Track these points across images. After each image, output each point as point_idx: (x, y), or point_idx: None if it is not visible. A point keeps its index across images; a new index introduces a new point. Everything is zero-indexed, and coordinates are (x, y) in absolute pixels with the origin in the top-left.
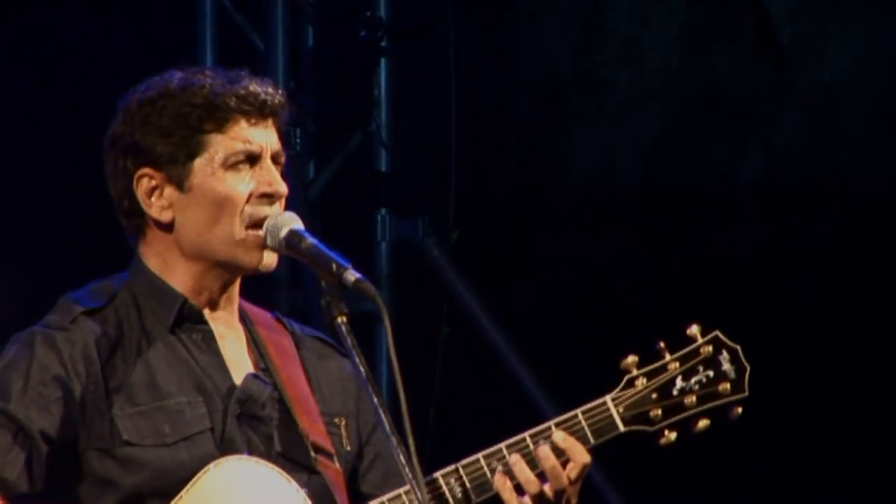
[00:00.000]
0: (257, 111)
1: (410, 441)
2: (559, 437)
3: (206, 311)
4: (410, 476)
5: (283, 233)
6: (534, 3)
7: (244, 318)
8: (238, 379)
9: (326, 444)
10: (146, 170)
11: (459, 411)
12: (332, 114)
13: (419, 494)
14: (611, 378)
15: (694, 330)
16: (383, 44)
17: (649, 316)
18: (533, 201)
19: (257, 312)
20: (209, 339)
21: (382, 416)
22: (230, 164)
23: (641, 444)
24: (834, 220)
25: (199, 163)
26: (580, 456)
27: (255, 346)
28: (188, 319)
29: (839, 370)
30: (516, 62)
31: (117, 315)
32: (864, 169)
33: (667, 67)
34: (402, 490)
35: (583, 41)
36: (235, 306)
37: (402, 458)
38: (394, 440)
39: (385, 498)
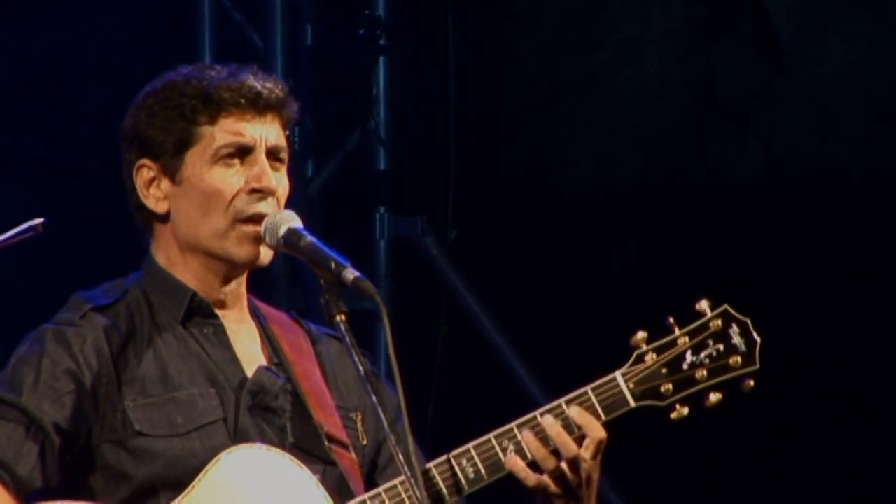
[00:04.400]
0: (251, 104)
1: (410, 439)
2: (575, 412)
3: (215, 309)
4: (409, 474)
5: (282, 231)
6: (533, 1)
7: (257, 316)
8: (250, 372)
9: (342, 434)
10: (145, 160)
11: (458, 409)
12: (331, 112)
13: (418, 493)
14: (610, 371)
15: (703, 305)
16: (382, 42)
17: (648, 314)
18: (531, 200)
19: (271, 311)
20: (220, 332)
21: (381, 413)
22: (220, 157)
23: (642, 443)
24: (833, 218)
25: (191, 155)
26: (595, 431)
27: (269, 341)
28: (198, 313)
29: (839, 367)
30: (515, 61)
31: (129, 310)
32: (864, 167)
33: (666, 66)
34: (397, 481)
35: (582, 40)
36: (244, 303)
37: (400, 455)
38: (392, 438)
39: (382, 489)
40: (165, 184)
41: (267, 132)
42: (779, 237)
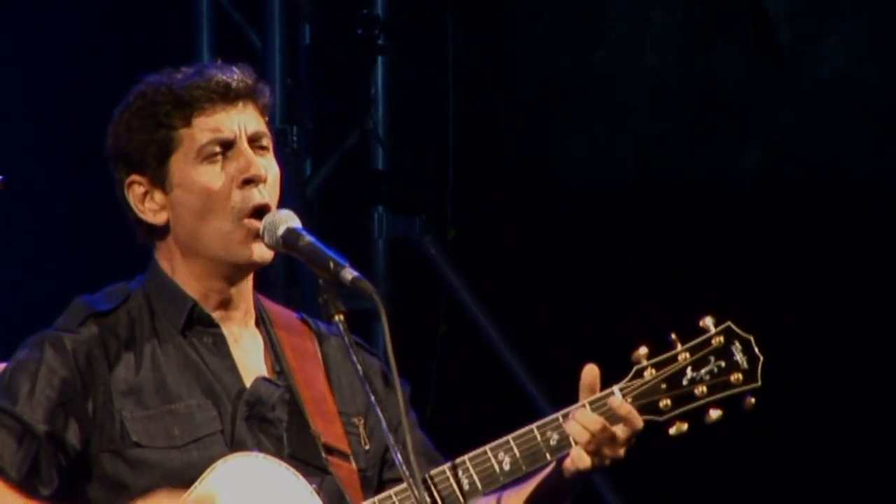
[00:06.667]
0: (222, 97)
1: (408, 439)
2: (616, 402)
3: (220, 313)
4: (408, 475)
5: (281, 230)
6: (533, 1)
7: (263, 320)
8: (249, 382)
9: (341, 444)
10: (134, 176)
11: (457, 409)
12: (330, 112)
13: (417, 493)
14: (609, 374)
15: (707, 321)
16: (380, 41)
17: (647, 313)
18: (530, 199)
19: (280, 313)
20: (220, 342)
21: (380, 413)
22: (205, 156)
23: (640, 443)
24: (832, 217)
25: (175, 160)
26: (636, 422)
27: (272, 348)
28: (199, 322)
29: (839, 366)
30: (514, 59)
31: (129, 317)
32: (863, 166)
33: (665, 66)
34: (392, 491)
35: (581, 39)
36: (250, 303)
37: (399, 456)
38: (391, 438)
39: (377, 499)
40: (158, 195)
41: (244, 121)
42: (778, 236)
